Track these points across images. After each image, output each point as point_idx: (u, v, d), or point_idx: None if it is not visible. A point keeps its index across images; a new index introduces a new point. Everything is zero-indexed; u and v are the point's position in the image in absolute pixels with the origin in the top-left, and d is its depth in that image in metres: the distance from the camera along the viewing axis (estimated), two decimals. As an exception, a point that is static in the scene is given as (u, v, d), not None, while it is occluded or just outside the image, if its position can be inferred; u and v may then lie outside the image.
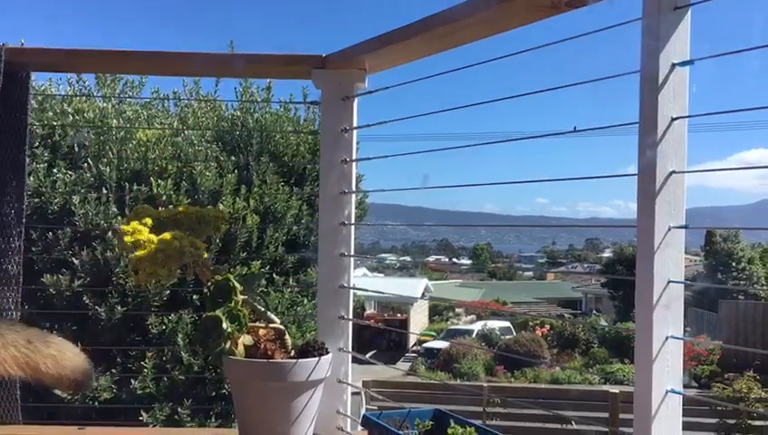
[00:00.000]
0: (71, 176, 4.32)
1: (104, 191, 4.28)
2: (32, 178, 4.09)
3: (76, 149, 4.49)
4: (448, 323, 35.52)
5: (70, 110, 4.61)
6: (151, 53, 2.88)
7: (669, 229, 1.56)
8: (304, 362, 2.21)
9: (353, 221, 2.59)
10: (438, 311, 38.36)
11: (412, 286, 32.93)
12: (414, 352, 28.61)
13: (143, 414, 3.98)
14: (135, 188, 4.31)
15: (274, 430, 2.21)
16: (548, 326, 26.78)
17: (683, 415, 1.60)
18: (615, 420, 11.18)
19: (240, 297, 2.21)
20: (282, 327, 2.31)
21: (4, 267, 2.57)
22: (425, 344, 27.23)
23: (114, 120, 4.71)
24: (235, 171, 4.68)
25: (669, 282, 1.56)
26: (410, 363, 25.46)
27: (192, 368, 4.18)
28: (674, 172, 1.57)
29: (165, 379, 4.13)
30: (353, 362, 2.63)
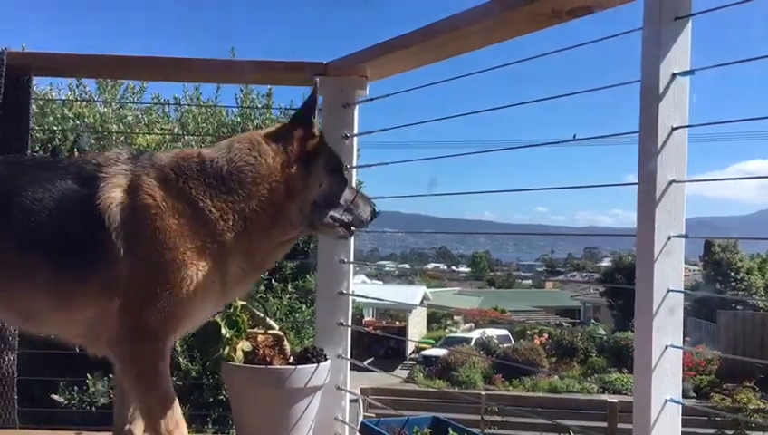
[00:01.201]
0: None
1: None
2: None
3: (76, 153, 4.50)
4: (447, 330, 35.41)
5: (70, 114, 4.62)
6: (153, 59, 2.89)
7: (669, 238, 1.56)
8: (303, 369, 2.21)
9: (353, 228, 2.59)
10: (437, 318, 38.25)
11: (411, 294, 32.84)
12: (412, 359, 28.50)
13: (140, 420, 3.97)
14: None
15: (272, 437, 2.20)
16: (546, 335, 26.71)
17: (681, 425, 1.59)
18: (613, 429, 11.15)
19: (239, 303, 2.21)
20: (280, 333, 2.31)
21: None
22: (423, 352, 27.15)
23: (114, 126, 4.72)
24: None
25: (669, 291, 1.56)
26: (408, 371, 25.35)
27: (190, 373, 4.17)
28: (674, 181, 1.57)
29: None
30: (351, 368, 2.62)
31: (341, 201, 1.97)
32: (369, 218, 2.03)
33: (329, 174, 1.96)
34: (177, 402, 1.85)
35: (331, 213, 1.96)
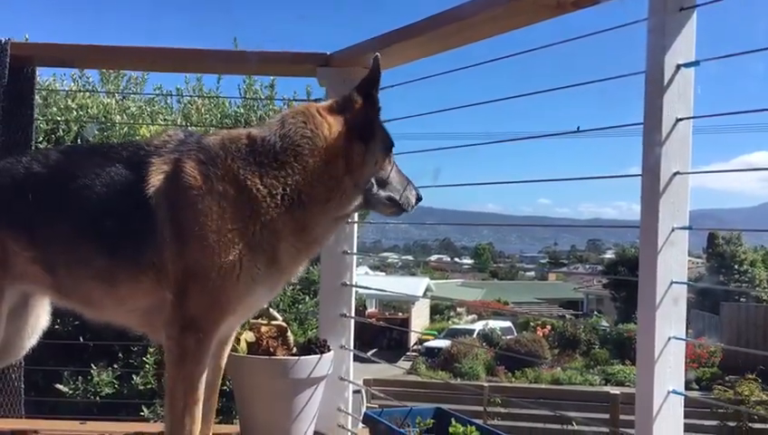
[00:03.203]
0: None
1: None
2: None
3: (79, 142, 4.50)
4: (449, 322, 35.44)
5: (74, 105, 4.62)
6: (156, 50, 2.89)
7: (673, 230, 1.56)
8: (306, 360, 2.21)
9: (356, 219, 2.59)
10: (440, 310, 38.27)
11: (414, 285, 32.84)
12: (415, 351, 28.55)
13: (144, 410, 3.99)
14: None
15: (276, 427, 2.21)
16: (549, 327, 26.74)
17: (683, 416, 1.60)
18: (615, 420, 11.18)
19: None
20: (284, 324, 2.32)
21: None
22: (426, 343, 27.20)
23: (118, 116, 4.72)
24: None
25: (672, 283, 1.56)
26: (411, 362, 25.40)
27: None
28: (678, 173, 1.57)
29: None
30: (354, 360, 2.63)
31: (393, 182, 1.92)
32: (414, 203, 1.98)
33: (384, 153, 1.90)
34: (201, 402, 1.85)
35: (386, 193, 1.91)
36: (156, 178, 1.78)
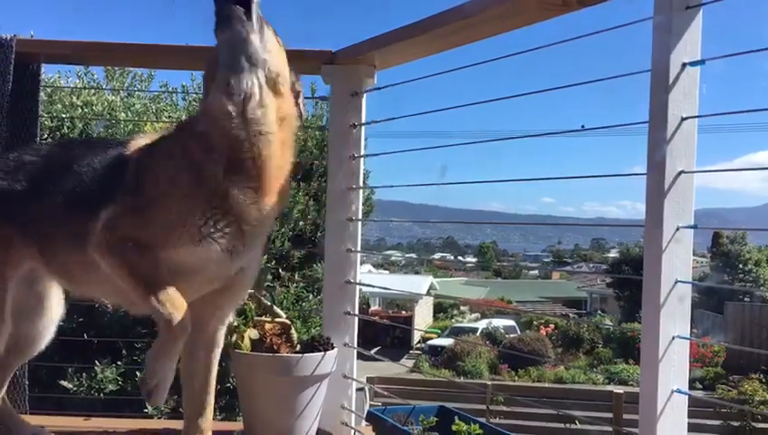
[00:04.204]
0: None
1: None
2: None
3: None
4: (453, 320, 35.46)
5: (79, 102, 4.63)
6: (160, 47, 2.89)
7: (678, 229, 1.56)
8: (310, 357, 2.22)
9: (360, 217, 2.59)
10: (443, 308, 38.28)
11: (417, 284, 32.88)
12: (418, 349, 28.58)
13: (148, 406, 3.99)
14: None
15: (279, 424, 2.22)
16: (552, 325, 26.73)
17: (687, 416, 1.59)
18: (619, 419, 11.16)
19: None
20: (288, 322, 2.32)
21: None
22: (429, 342, 27.24)
23: (123, 114, 4.72)
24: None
25: (677, 282, 1.56)
26: (414, 360, 25.40)
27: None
28: (683, 172, 1.56)
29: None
30: (358, 357, 2.63)
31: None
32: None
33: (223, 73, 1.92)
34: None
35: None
36: (133, 147, 1.94)
